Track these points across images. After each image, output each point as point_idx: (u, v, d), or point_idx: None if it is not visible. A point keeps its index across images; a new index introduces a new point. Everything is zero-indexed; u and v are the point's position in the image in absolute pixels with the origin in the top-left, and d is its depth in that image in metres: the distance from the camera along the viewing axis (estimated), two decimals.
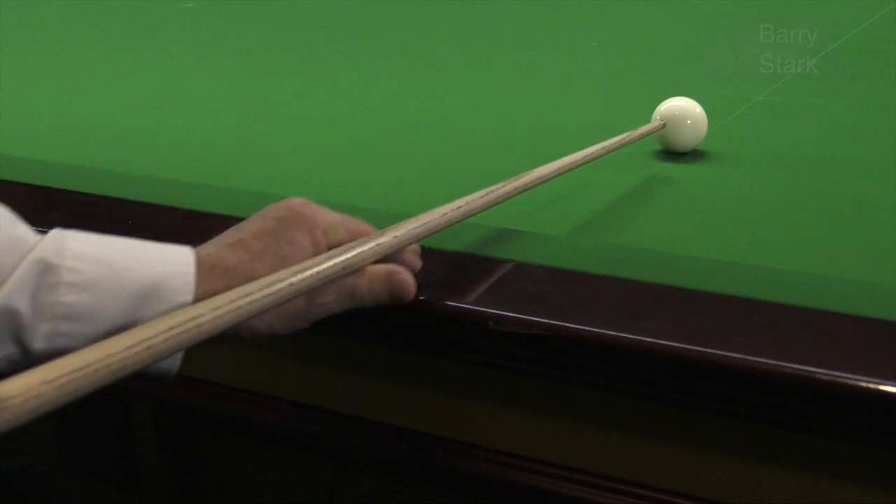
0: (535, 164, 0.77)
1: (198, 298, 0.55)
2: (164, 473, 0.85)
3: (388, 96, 1.38)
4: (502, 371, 0.65)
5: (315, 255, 0.60)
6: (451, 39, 1.78)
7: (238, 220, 0.63)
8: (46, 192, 0.88)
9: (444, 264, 0.68)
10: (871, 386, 0.53)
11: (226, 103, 1.36)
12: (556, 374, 0.63)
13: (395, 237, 0.63)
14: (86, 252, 0.55)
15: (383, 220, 0.77)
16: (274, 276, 0.55)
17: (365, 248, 0.61)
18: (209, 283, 0.57)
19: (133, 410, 0.83)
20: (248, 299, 0.53)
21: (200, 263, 0.57)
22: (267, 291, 0.54)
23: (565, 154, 0.83)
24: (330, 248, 0.61)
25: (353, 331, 0.58)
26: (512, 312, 0.62)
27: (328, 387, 0.72)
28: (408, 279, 0.63)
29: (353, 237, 0.63)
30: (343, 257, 0.59)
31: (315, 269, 0.57)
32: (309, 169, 1.06)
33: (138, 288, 0.55)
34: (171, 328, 0.49)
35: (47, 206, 0.85)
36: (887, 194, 0.95)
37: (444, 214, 0.67)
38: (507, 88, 1.41)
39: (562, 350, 0.61)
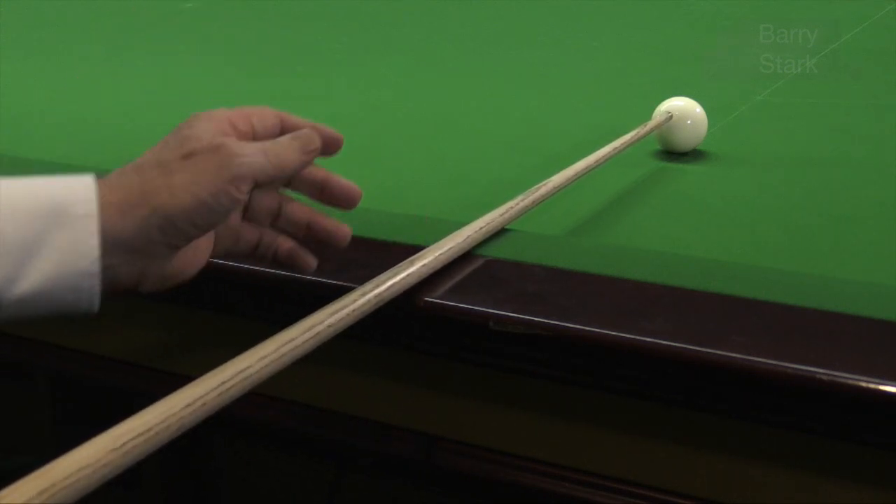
0: (535, 164, 0.77)
1: (103, 203, 0.54)
2: (164, 472, 0.85)
3: (389, 96, 1.38)
4: (502, 371, 0.65)
5: (225, 134, 0.60)
6: (451, 39, 1.78)
7: None
8: None
9: (444, 264, 0.68)
10: (871, 386, 0.53)
11: (226, 103, 1.35)
12: (556, 374, 0.63)
13: (423, 265, 0.63)
14: None
15: (384, 221, 0.77)
16: (313, 319, 0.55)
17: (396, 279, 0.61)
18: (111, 188, 0.55)
19: (133, 409, 0.83)
20: (290, 345, 0.53)
21: (101, 179, 0.56)
22: (308, 335, 0.54)
23: (565, 153, 0.83)
24: (256, 133, 0.63)
25: (353, 331, 0.58)
26: (512, 312, 0.62)
27: (329, 387, 0.72)
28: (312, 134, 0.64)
29: (278, 120, 0.65)
30: (375, 291, 0.59)
31: (351, 308, 0.57)
32: None
33: (38, 208, 0.53)
34: (223, 382, 0.50)
35: None
36: (887, 194, 0.95)
37: (468, 237, 0.68)
38: (507, 88, 1.41)
39: (562, 350, 0.61)
